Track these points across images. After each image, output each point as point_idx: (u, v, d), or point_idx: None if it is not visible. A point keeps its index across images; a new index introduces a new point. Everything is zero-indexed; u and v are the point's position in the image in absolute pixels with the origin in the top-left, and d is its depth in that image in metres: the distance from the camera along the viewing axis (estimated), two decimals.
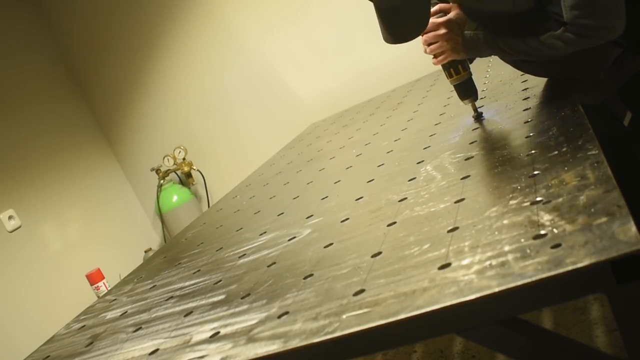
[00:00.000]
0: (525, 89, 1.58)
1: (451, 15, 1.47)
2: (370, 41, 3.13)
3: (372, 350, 0.79)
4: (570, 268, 0.65)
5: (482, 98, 1.74)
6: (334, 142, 2.24)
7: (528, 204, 0.86)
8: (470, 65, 1.54)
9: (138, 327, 1.19)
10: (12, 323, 2.82)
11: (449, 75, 1.53)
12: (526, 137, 1.17)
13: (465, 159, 1.22)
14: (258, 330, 0.89)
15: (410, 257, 0.88)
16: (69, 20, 3.63)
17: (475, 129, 1.44)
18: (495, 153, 1.18)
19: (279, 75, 3.34)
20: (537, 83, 1.59)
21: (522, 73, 1.81)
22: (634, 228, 0.67)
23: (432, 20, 1.46)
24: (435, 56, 1.50)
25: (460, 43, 1.45)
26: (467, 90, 1.54)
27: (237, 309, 1.01)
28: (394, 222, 1.06)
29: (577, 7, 1.20)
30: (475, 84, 1.54)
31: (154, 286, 1.44)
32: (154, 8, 3.43)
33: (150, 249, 3.46)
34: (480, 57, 1.50)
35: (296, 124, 3.27)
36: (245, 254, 1.32)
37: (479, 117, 1.55)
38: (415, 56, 2.98)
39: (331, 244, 1.11)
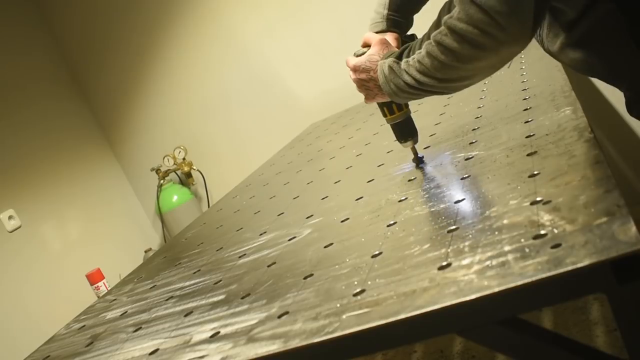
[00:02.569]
0: (525, 89, 1.58)
1: (362, 59, 1.24)
2: None
3: (372, 350, 0.79)
4: (570, 268, 0.65)
5: (481, 100, 1.73)
6: (334, 142, 2.24)
7: (528, 204, 0.86)
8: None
9: (138, 327, 1.19)
10: (12, 323, 2.82)
11: (383, 115, 1.34)
12: (526, 137, 1.17)
13: (465, 159, 1.22)
14: (258, 330, 0.89)
15: (410, 257, 0.88)
16: (69, 21, 3.64)
17: (475, 129, 1.44)
18: (495, 153, 1.18)
19: (279, 75, 3.34)
20: (537, 83, 1.59)
21: (522, 73, 1.82)
22: (634, 228, 0.67)
23: (347, 60, 1.28)
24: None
25: (375, 88, 1.23)
26: (403, 131, 1.34)
27: (237, 309, 1.01)
28: (394, 222, 1.06)
29: None
30: (415, 124, 1.36)
31: (154, 286, 1.44)
32: (154, 8, 3.43)
33: (150, 249, 3.46)
34: (416, 97, 1.17)
35: (296, 124, 3.27)
36: (245, 254, 1.32)
37: (419, 161, 1.37)
38: None
39: (331, 244, 1.11)
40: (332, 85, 3.23)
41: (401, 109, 1.31)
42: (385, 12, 1.29)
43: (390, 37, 1.28)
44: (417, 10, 1.33)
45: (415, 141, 1.35)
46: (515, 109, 1.43)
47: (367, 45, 1.27)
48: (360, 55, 1.26)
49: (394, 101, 1.26)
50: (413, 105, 1.35)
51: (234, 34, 3.34)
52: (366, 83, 1.24)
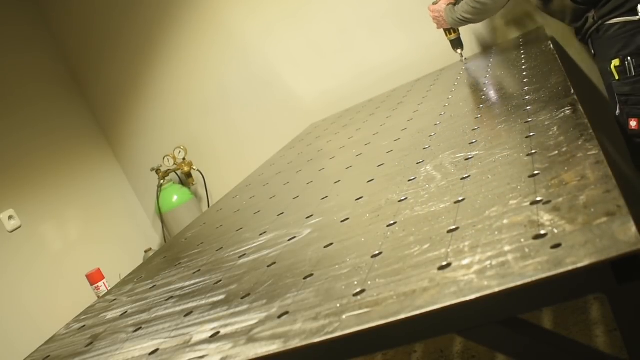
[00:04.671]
0: (525, 89, 1.58)
1: (437, 6, 2.55)
2: (370, 41, 3.14)
3: (372, 350, 0.79)
4: (570, 268, 0.65)
5: (481, 99, 1.73)
6: (334, 142, 2.24)
7: (528, 204, 0.86)
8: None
9: (138, 327, 1.19)
10: (12, 323, 2.82)
11: (445, 35, 2.65)
12: (526, 137, 1.17)
13: (465, 159, 1.22)
14: (258, 330, 0.89)
15: (410, 257, 0.88)
16: (68, 20, 3.64)
17: (475, 128, 1.44)
18: (495, 153, 1.18)
19: (279, 75, 3.34)
20: (537, 83, 1.59)
21: (522, 73, 1.82)
22: (634, 228, 0.67)
23: (429, 6, 2.59)
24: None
25: (442, 21, 2.53)
26: (457, 44, 2.65)
27: (237, 309, 1.01)
28: (394, 222, 1.06)
29: None
30: (463, 41, 2.65)
31: (154, 286, 1.44)
32: (154, 8, 3.43)
33: (150, 249, 3.46)
34: (463, 25, 2.52)
35: (296, 124, 3.27)
36: (245, 254, 1.32)
37: (464, 60, 2.69)
38: (415, 56, 2.98)
39: (331, 244, 1.11)
40: (332, 85, 3.23)
41: (456, 31, 2.62)
42: None
43: None
44: None
45: (462, 49, 2.67)
46: (516, 109, 1.43)
47: None
48: (436, 4, 2.55)
49: (452, 27, 2.56)
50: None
51: (234, 34, 3.34)
52: (438, 17, 2.54)
